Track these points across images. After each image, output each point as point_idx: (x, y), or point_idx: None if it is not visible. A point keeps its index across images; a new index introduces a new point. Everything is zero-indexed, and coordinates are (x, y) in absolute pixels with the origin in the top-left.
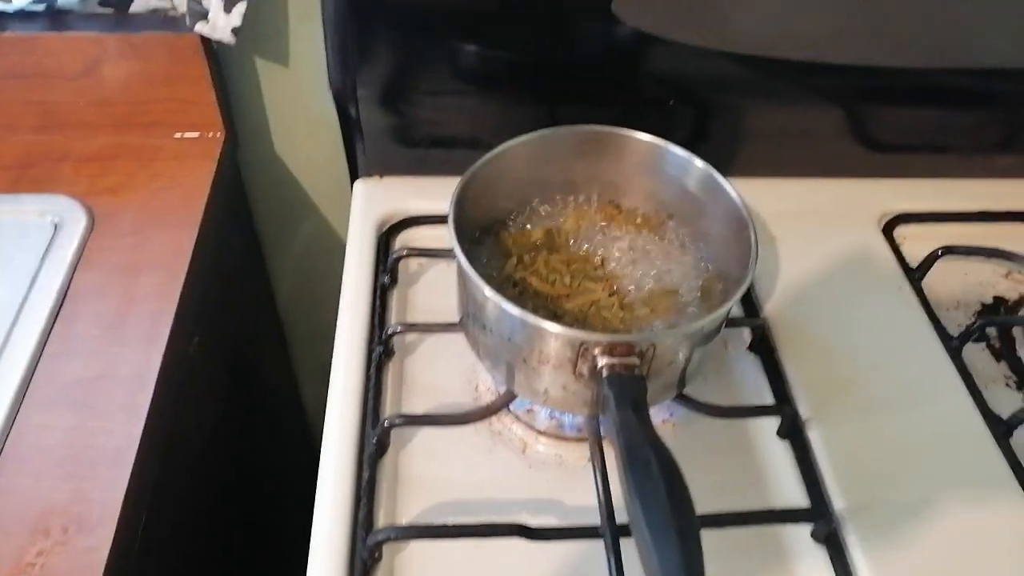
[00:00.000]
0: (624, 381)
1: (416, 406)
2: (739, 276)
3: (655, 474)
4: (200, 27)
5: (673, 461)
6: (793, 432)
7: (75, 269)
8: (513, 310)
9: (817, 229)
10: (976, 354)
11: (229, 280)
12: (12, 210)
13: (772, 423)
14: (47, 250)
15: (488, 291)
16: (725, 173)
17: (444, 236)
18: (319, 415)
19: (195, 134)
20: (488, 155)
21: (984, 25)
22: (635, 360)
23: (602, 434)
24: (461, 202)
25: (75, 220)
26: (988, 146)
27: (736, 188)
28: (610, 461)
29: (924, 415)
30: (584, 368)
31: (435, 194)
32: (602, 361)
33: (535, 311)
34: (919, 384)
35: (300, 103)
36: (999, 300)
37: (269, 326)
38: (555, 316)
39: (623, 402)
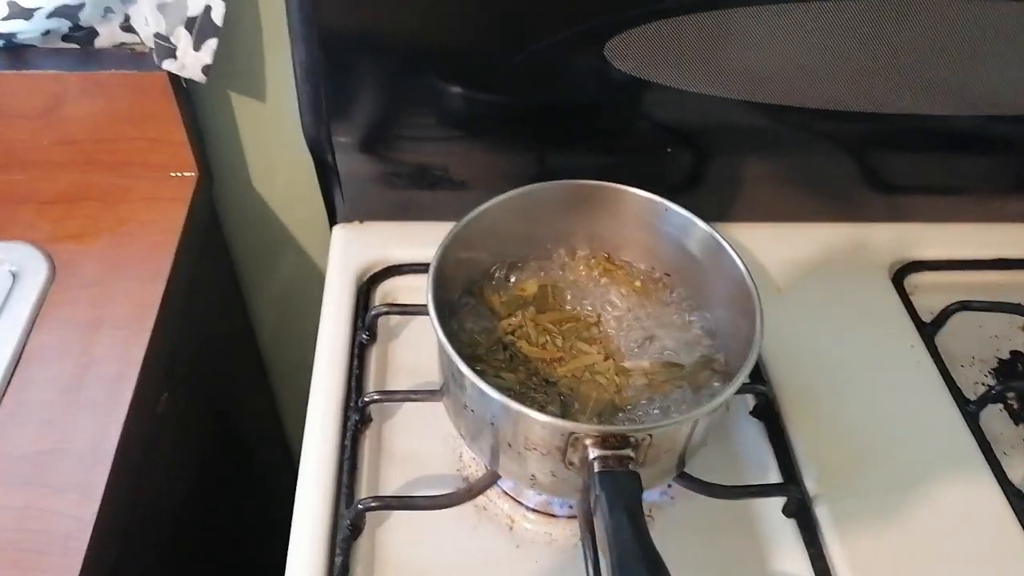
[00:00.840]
0: (618, 481)
1: (395, 479)
2: (740, 347)
3: None
4: (168, 65)
5: None
6: (800, 512)
7: (32, 327)
8: (495, 395)
9: (824, 279)
10: (993, 416)
11: (205, 324)
12: None
13: (778, 499)
14: (3, 305)
15: (466, 371)
16: (726, 219)
17: None
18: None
19: (165, 174)
20: (472, 213)
21: (998, 71)
22: (629, 453)
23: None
24: (441, 268)
25: (35, 270)
26: (1002, 190)
27: (741, 255)
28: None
29: (941, 491)
30: (575, 457)
31: (419, 240)
32: (593, 453)
33: (527, 377)
34: (935, 455)
35: (278, 138)
36: (1016, 355)
37: (250, 365)
38: (547, 383)
39: (616, 507)
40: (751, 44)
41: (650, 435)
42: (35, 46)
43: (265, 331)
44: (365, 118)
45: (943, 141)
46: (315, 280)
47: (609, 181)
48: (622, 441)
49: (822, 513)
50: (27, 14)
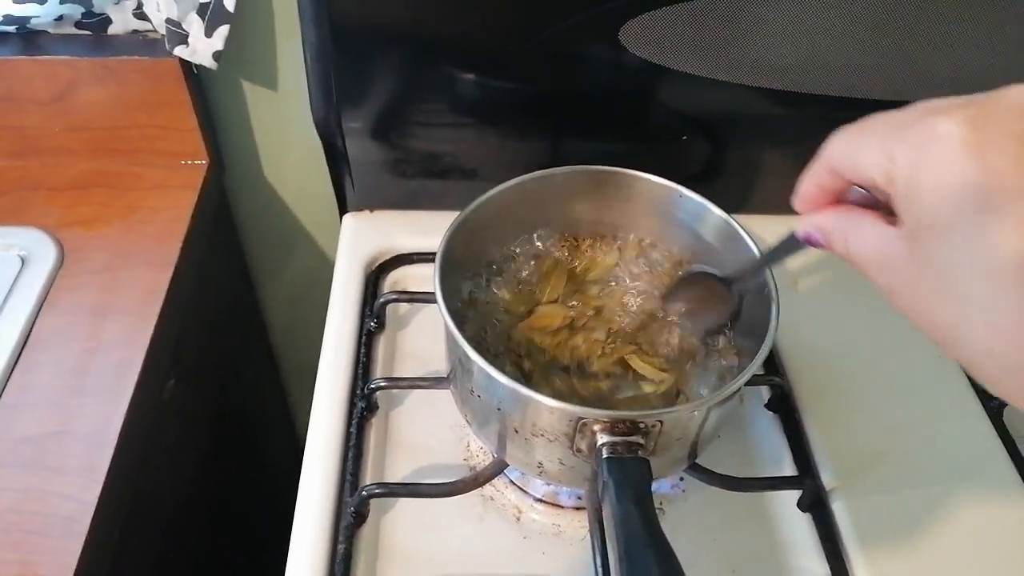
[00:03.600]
0: (626, 467)
1: (401, 467)
2: (755, 337)
3: None
4: (180, 51)
5: (680, 573)
6: (816, 506)
7: (39, 311)
8: (502, 379)
9: (842, 272)
10: (1018, 413)
11: (215, 313)
12: None
13: (792, 492)
14: (11, 289)
15: (474, 356)
16: (741, 210)
17: None
18: None
19: (176, 162)
20: (481, 198)
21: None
22: (639, 439)
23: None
24: (449, 252)
25: (43, 255)
26: None
27: (756, 240)
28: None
29: (963, 489)
30: (582, 444)
31: (429, 229)
32: (602, 439)
33: (544, 368)
34: (957, 452)
35: (289, 127)
36: None
37: (261, 357)
38: (565, 370)
39: (624, 494)
40: (769, 29)
41: (660, 421)
42: (48, 32)
43: (276, 324)
44: (375, 103)
45: None
46: (326, 274)
47: None
48: (631, 427)
49: (839, 508)
50: None
